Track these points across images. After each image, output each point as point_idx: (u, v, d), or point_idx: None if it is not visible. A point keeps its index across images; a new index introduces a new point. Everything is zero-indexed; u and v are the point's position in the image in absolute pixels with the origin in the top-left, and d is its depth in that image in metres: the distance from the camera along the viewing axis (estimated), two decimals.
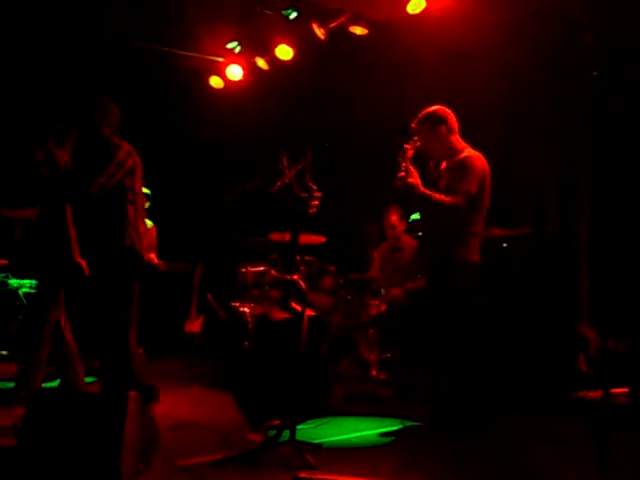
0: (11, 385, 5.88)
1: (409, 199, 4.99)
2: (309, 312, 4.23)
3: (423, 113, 4.91)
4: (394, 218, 7.02)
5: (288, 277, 4.47)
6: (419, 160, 4.94)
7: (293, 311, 4.35)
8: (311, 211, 4.42)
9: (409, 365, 6.26)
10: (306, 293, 4.17)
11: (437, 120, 4.88)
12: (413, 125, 4.88)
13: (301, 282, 4.21)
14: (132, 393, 3.80)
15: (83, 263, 5.72)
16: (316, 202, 4.42)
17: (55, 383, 5.87)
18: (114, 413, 3.68)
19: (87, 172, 4.91)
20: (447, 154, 4.90)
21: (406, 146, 4.70)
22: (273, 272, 5.89)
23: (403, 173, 4.60)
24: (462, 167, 4.74)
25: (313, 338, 4.27)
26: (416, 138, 4.74)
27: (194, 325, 7.93)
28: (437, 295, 4.82)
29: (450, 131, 4.90)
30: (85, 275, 5.79)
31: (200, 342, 7.85)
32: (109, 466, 3.58)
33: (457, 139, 4.93)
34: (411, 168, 4.63)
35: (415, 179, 4.61)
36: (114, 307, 4.88)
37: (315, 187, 4.45)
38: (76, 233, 5.41)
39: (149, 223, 7.90)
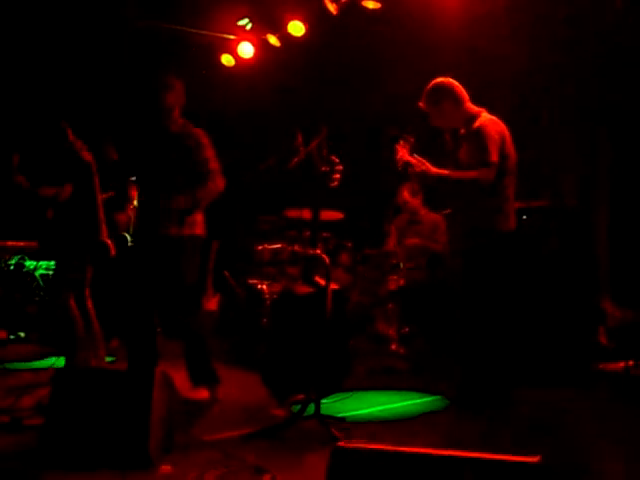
0: (28, 365, 5.93)
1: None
2: (333, 285, 4.22)
3: (425, 90, 4.82)
4: (406, 195, 7.02)
5: (311, 252, 4.47)
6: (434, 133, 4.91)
7: (317, 285, 4.34)
8: (333, 184, 4.39)
9: (428, 340, 6.27)
10: (329, 267, 4.16)
11: (441, 94, 4.73)
12: (420, 104, 4.80)
13: (324, 256, 4.20)
14: (158, 369, 3.82)
15: (109, 243, 5.75)
16: (338, 175, 4.39)
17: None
18: (141, 390, 3.69)
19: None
20: (462, 124, 4.75)
21: (397, 147, 4.62)
22: (296, 247, 5.87)
23: (412, 168, 4.53)
24: (478, 138, 4.57)
25: (337, 312, 4.25)
26: (407, 136, 4.64)
27: (211, 303, 7.93)
28: (469, 268, 4.71)
29: (458, 101, 4.73)
30: (111, 255, 5.81)
31: (216, 321, 7.84)
32: (137, 442, 3.59)
33: (469, 106, 4.76)
34: (414, 159, 4.54)
35: (423, 166, 4.52)
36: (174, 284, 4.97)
37: (337, 160, 4.41)
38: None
39: None
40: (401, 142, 4.59)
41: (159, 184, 5.02)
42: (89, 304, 5.83)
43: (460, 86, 4.78)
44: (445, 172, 4.56)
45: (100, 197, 5.79)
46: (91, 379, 3.88)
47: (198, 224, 5.11)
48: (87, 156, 5.69)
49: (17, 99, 8.38)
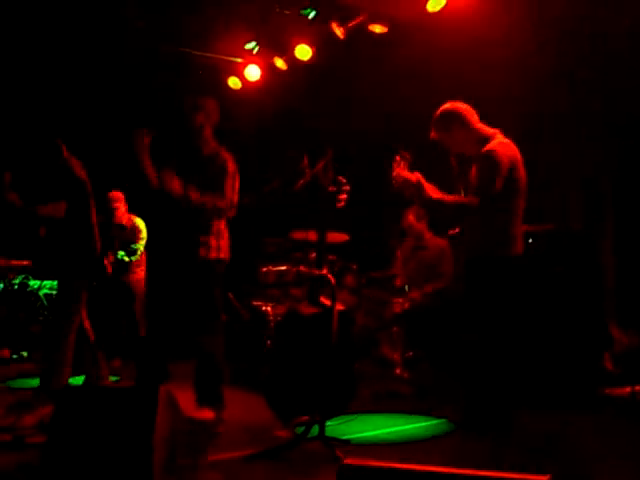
0: (34, 383, 5.89)
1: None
2: (338, 306, 4.20)
3: (434, 116, 4.81)
4: (410, 218, 7.01)
5: (316, 272, 4.45)
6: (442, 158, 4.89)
7: (322, 305, 4.33)
8: (339, 205, 4.38)
9: (433, 364, 6.23)
10: (335, 287, 4.14)
11: (449, 121, 4.71)
12: (431, 135, 4.78)
13: (330, 276, 4.18)
14: (162, 387, 3.78)
15: (106, 262, 5.73)
16: (345, 195, 4.38)
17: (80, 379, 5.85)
18: (145, 408, 3.66)
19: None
20: (475, 147, 4.68)
21: (394, 164, 4.58)
22: (301, 267, 5.86)
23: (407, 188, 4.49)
24: (485, 163, 4.54)
25: (342, 333, 4.23)
26: (404, 152, 4.60)
27: None
28: (475, 291, 4.68)
29: (467, 125, 4.69)
30: (109, 274, 5.80)
31: None
32: (141, 461, 3.55)
33: (480, 128, 4.72)
34: (413, 175, 4.49)
35: (418, 184, 4.47)
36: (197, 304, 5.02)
37: (344, 180, 4.40)
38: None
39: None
40: (397, 158, 4.56)
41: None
42: (87, 324, 5.81)
43: (469, 109, 4.74)
44: (439, 195, 4.49)
45: (95, 215, 5.78)
46: (94, 397, 3.85)
47: (223, 249, 5.15)
48: (81, 173, 5.70)
49: (9, 116, 8.40)
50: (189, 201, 4.88)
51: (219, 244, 5.11)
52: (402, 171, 4.45)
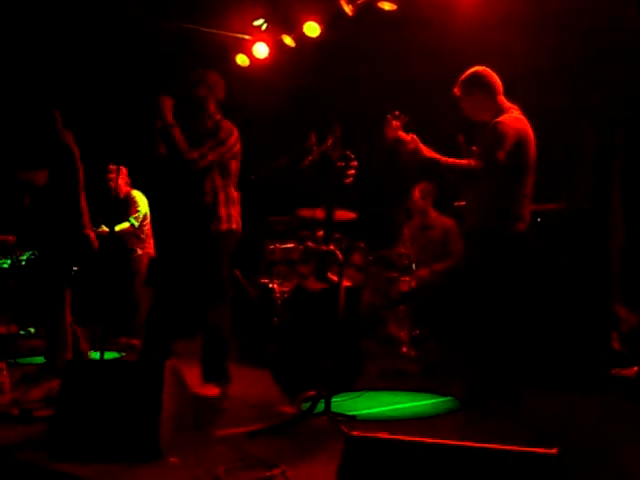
0: (40, 359, 5.91)
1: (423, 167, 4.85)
2: (346, 282, 4.19)
3: (460, 78, 4.80)
4: (416, 194, 7.02)
5: (324, 248, 4.44)
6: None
7: (329, 281, 4.32)
8: (348, 180, 4.37)
9: (439, 342, 6.23)
10: (343, 263, 4.13)
11: (472, 84, 4.72)
12: (455, 91, 4.78)
13: (338, 252, 4.17)
14: (169, 362, 3.80)
15: (92, 235, 5.71)
16: (353, 171, 4.37)
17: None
18: (151, 382, 3.68)
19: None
20: (489, 116, 4.67)
21: (389, 120, 4.59)
22: (309, 243, 5.84)
23: (403, 146, 4.50)
24: (492, 132, 4.54)
25: (350, 309, 4.23)
26: (400, 114, 4.61)
27: None
28: (478, 271, 4.69)
29: (490, 92, 4.69)
30: (94, 248, 5.77)
31: None
32: (147, 434, 3.58)
33: (501, 100, 4.71)
34: (408, 136, 4.51)
35: (416, 144, 4.50)
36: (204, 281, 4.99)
37: (352, 156, 4.38)
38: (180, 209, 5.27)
39: None
40: (389, 117, 4.56)
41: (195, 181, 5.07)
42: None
43: (496, 77, 4.74)
44: (437, 155, 4.52)
45: (82, 188, 5.75)
46: (101, 370, 3.87)
47: (234, 218, 5.15)
48: (71, 144, 5.69)
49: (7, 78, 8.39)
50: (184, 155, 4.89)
51: (229, 213, 5.09)
52: (397, 129, 4.48)
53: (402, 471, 2.14)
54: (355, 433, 2.32)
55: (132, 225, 7.90)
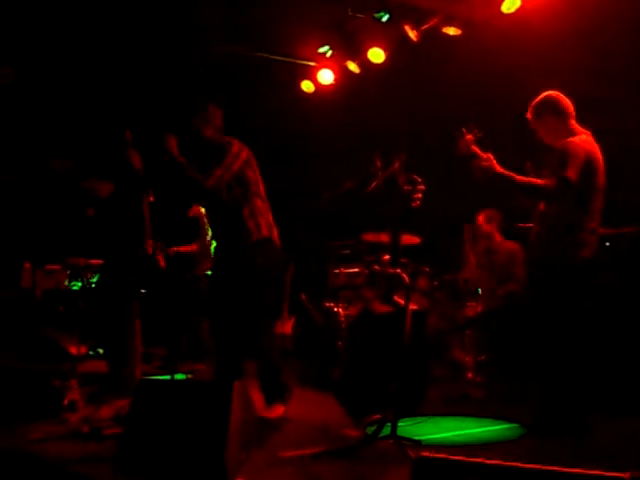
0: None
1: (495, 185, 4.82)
2: (412, 306, 4.18)
3: (533, 102, 4.79)
4: (480, 219, 6.97)
5: (391, 271, 4.45)
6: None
7: (396, 305, 4.32)
8: (415, 204, 4.37)
9: (505, 368, 6.15)
10: (409, 286, 4.13)
11: (544, 107, 4.70)
12: (527, 115, 4.77)
13: (404, 275, 4.17)
14: (237, 382, 3.83)
15: (158, 255, 5.83)
16: (420, 195, 4.37)
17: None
18: (219, 402, 3.71)
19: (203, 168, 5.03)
20: (561, 140, 4.62)
21: (464, 132, 4.59)
22: (375, 266, 5.85)
23: (476, 161, 4.50)
24: (561, 152, 4.50)
25: (416, 332, 4.22)
26: (474, 128, 4.61)
27: (285, 326, 7.95)
28: (543, 296, 4.63)
29: (561, 116, 4.67)
30: (161, 268, 5.88)
31: (291, 344, 7.86)
32: (214, 454, 3.60)
33: (572, 124, 4.68)
34: (482, 153, 4.52)
35: (489, 161, 4.49)
36: (251, 301, 5.00)
37: (419, 180, 4.39)
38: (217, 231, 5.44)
39: None
40: (464, 130, 4.57)
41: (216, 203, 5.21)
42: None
43: (567, 102, 4.72)
44: (511, 173, 4.51)
45: (147, 208, 5.90)
46: (171, 390, 3.93)
47: (263, 227, 5.17)
48: (138, 166, 5.86)
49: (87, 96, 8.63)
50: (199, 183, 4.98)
51: (257, 222, 5.13)
52: (468, 142, 4.49)
53: None
54: (425, 454, 2.32)
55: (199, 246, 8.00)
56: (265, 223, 5.17)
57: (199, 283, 8.07)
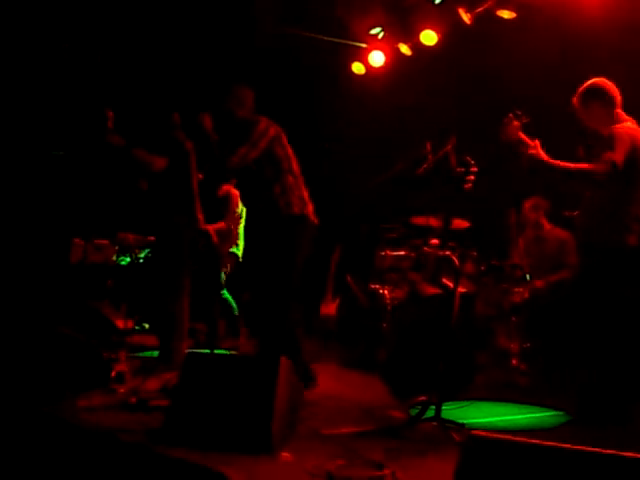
0: (155, 353, 6.12)
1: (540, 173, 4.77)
2: (460, 289, 4.17)
3: (579, 89, 4.73)
4: (526, 207, 6.90)
5: (440, 253, 4.43)
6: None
7: (444, 287, 4.30)
8: (467, 186, 4.33)
9: (550, 355, 6.10)
10: (459, 269, 4.11)
11: (591, 95, 4.64)
12: (573, 101, 4.71)
13: (454, 258, 4.16)
14: (283, 358, 3.87)
15: (211, 230, 5.89)
16: (472, 177, 4.33)
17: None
18: (266, 376, 3.76)
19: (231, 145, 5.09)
20: (606, 128, 4.57)
21: (510, 118, 4.54)
22: (425, 248, 5.84)
23: (523, 147, 4.46)
24: (608, 138, 4.45)
25: (464, 315, 4.20)
26: (518, 112, 4.56)
27: (330, 308, 7.96)
28: (588, 283, 4.60)
29: (607, 104, 4.61)
30: (214, 243, 5.94)
31: (335, 325, 7.88)
32: (260, 428, 3.65)
33: (619, 113, 4.62)
34: (529, 140, 4.48)
35: (535, 149, 4.45)
36: (277, 277, 5.01)
37: (472, 162, 4.35)
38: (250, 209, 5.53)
39: None
40: (511, 115, 4.54)
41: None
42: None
43: (614, 89, 4.65)
44: (556, 161, 4.46)
45: (196, 185, 5.97)
46: (218, 364, 3.98)
47: (294, 205, 5.22)
48: (187, 145, 5.93)
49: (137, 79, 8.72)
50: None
51: (288, 201, 5.18)
52: (515, 129, 4.46)
53: (522, 474, 2.12)
54: (476, 432, 2.31)
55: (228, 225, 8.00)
56: (298, 200, 5.22)
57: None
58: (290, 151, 5.31)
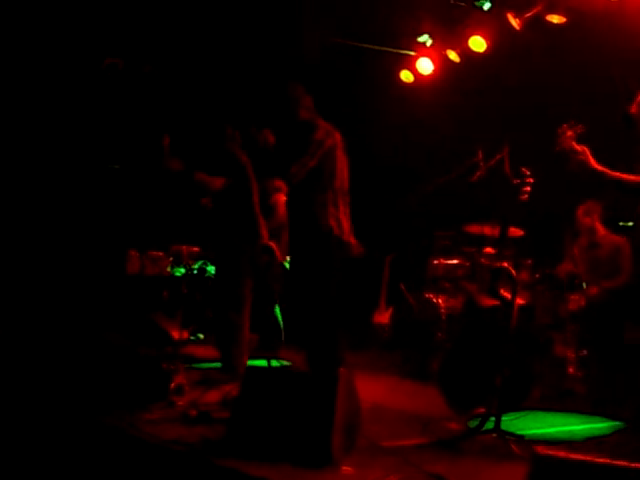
0: (213, 365, 6.19)
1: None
2: (519, 300, 4.15)
3: (637, 95, 4.68)
4: (580, 212, 6.81)
5: (497, 264, 4.42)
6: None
7: (502, 298, 4.28)
8: (523, 197, 4.31)
9: (608, 363, 6.02)
10: (516, 280, 4.10)
11: None
12: (632, 109, 4.66)
13: (511, 269, 4.14)
14: (342, 371, 3.90)
15: (273, 245, 5.94)
16: (529, 188, 4.31)
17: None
18: (325, 390, 3.79)
19: (290, 153, 5.07)
20: None
21: (565, 128, 4.51)
22: (482, 260, 5.82)
23: (573, 155, 4.44)
24: None
25: (522, 327, 4.19)
26: (572, 122, 4.53)
27: (383, 316, 7.98)
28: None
29: None
30: (278, 258, 5.98)
31: (388, 334, 7.89)
32: (321, 441, 3.68)
33: None
34: (579, 147, 4.45)
35: (583, 155, 4.42)
36: (317, 292, 5.00)
37: (528, 173, 4.33)
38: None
39: None
40: (565, 126, 4.51)
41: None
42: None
43: None
44: (605, 169, 4.43)
45: (257, 199, 6.01)
46: (278, 378, 4.04)
47: (333, 225, 5.11)
48: (243, 158, 5.98)
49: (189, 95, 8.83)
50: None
51: (323, 215, 5.07)
52: (569, 139, 4.43)
53: None
54: (542, 451, 2.31)
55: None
56: (333, 218, 5.08)
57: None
58: (340, 165, 5.20)
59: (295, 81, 5.50)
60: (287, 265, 7.68)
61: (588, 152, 4.47)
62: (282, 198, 7.97)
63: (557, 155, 4.61)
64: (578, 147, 4.47)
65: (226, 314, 5.93)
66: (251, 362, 5.93)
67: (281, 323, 7.78)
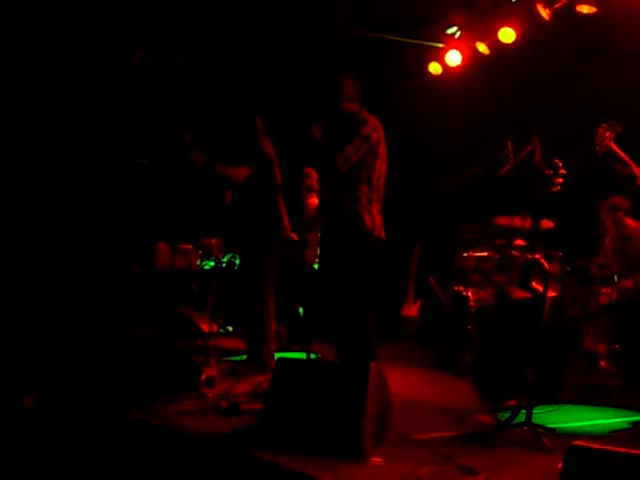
0: (240, 358, 6.23)
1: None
2: (550, 293, 4.13)
3: None
4: (602, 208, 6.73)
5: (529, 256, 4.40)
6: None
7: (534, 291, 4.26)
8: (555, 189, 4.28)
9: (634, 357, 5.97)
10: (549, 273, 4.07)
11: None
12: None
13: (544, 261, 4.12)
14: (373, 364, 3.90)
15: (296, 238, 5.94)
16: (561, 179, 4.28)
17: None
18: (356, 383, 3.79)
19: (334, 145, 4.92)
20: None
21: (604, 128, 4.46)
22: (514, 252, 5.79)
23: (619, 167, 4.40)
24: None
25: (554, 319, 4.16)
26: (613, 123, 4.48)
27: (411, 310, 7.96)
28: None
29: None
30: (302, 251, 5.97)
31: (417, 327, 7.88)
32: (351, 433, 3.69)
33: None
34: (620, 151, 4.40)
35: (630, 169, 4.38)
36: (347, 286, 4.96)
37: (560, 164, 4.29)
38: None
39: None
40: (604, 125, 4.46)
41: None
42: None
43: None
44: None
45: (280, 193, 6.03)
46: (310, 370, 4.05)
47: (363, 220, 4.96)
48: (269, 151, 5.99)
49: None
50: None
51: (356, 210, 4.93)
52: (608, 139, 4.39)
53: None
54: (578, 443, 2.30)
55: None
56: (367, 213, 4.94)
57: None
58: (380, 160, 5.02)
59: (338, 70, 5.32)
60: (316, 267, 7.71)
61: (633, 164, 4.43)
62: (314, 200, 7.98)
63: (597, 154, 4.57)
64: (621, 152, 4.44)
65: (251, 306, 5.94)
66: (281, 354, 5.94)
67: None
